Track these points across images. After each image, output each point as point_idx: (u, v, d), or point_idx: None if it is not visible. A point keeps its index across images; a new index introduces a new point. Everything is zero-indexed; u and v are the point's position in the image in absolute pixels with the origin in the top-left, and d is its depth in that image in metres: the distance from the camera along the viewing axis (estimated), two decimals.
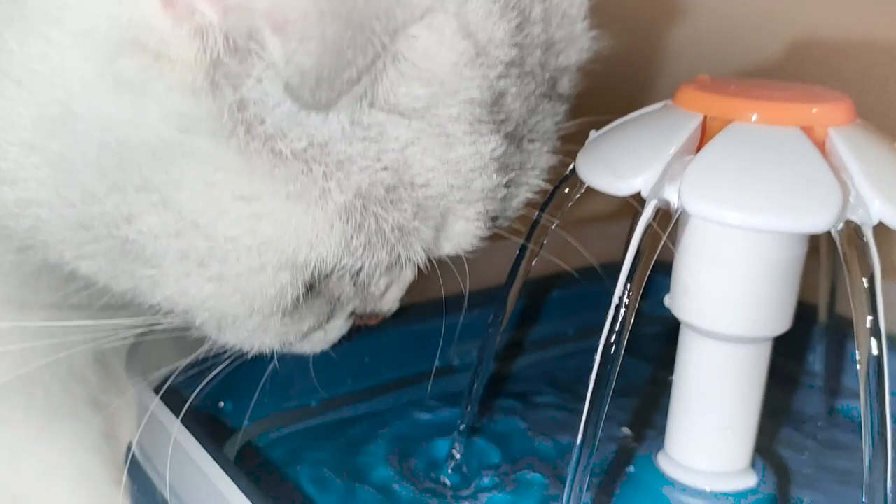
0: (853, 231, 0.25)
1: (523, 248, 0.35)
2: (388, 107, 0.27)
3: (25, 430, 0.43)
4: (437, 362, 0.45)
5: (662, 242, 0.27)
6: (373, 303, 0.35)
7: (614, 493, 0.34)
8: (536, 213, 0.34)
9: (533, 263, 0.35)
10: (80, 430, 0.44)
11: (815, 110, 0.28)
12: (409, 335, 0.44)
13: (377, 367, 0.43)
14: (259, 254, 0.28)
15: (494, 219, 0.32)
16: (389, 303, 0.36)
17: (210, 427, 0.37)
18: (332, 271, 0.29)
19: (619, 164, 0.28)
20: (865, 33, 0.47)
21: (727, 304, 0.29)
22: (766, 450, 0.38)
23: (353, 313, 0.36)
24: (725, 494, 0.31)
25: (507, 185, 0.31)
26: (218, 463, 0.28)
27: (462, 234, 0.31)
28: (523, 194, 0.33)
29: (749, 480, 0.32)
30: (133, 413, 0.36)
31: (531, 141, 0.33)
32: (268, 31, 0.24)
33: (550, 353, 0.48)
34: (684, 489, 0.31)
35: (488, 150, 0.29)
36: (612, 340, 0.27)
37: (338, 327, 0.35)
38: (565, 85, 0.34)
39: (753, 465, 0.32)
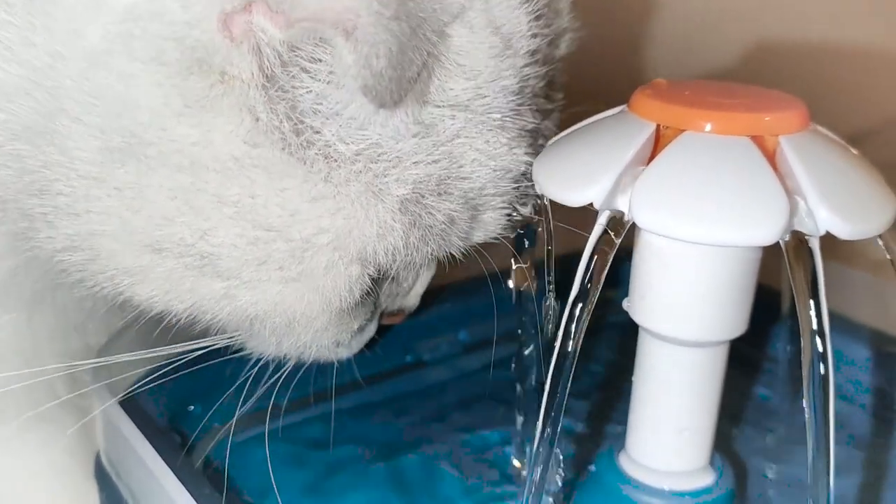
0: (799, 242, 0.26)
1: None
2: (438, 102, 0.29)
3: (3, 432, 0.43)
4: (407, 358, 0.46)
5: (617, 247, 0.28)
6: (401, 299, 0.37)
7: (575, 492, 0.34)
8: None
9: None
10: (53, 431, 0.44)
11: (767, 118, 0.28)
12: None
13: (348, 364, 0.44)
14: (333, 249, 0.29)
15: (516, 208, 0.34)
16: (413, 298, 0.38)
17: (176, 432, 0.37)
18: (391, 265, 0.31)
19: (573, 175, 0.28)
20: (823, 36, 0.47)
21: (682, 310, 0.29)
22: (726, 442, 0.39)
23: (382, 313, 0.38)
24: (683, 493, 0.32)
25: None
26: (177, 474, 0.28)
27: (493, 222, 0.33)
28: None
29: (707, 479, 0.32)
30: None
31: (544, 137, 0.34)
32: (340, 38, 0.26)
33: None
34: (644, 488, 0.32)
35: (521, 142, 0.31)
36: (568, 343, 0.27)
37: (371, 329, 0.37)
38: (560, 76, 0.36)
39: (712, 462, 0.33)
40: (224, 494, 0.30)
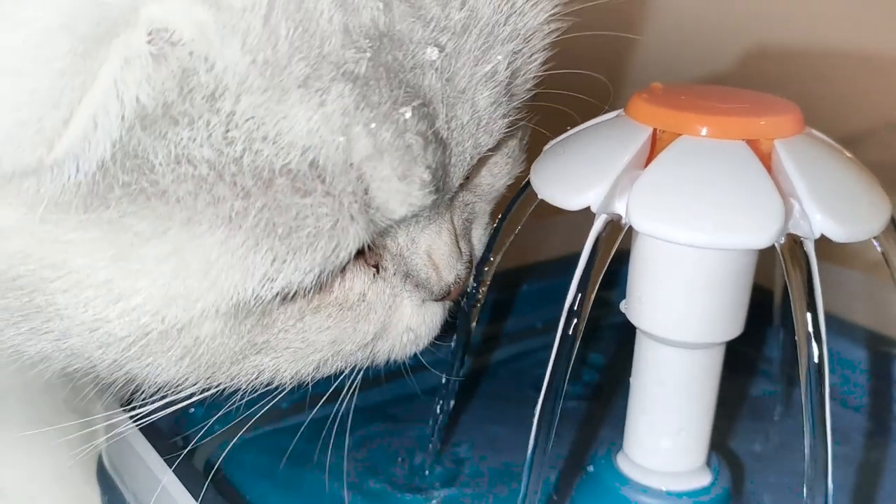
0: (794, 244, 0.26)
1: (490, 245, 0.35)
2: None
3: (3, 435, 0.43)
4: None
5: (614, 250, 0.28)
6: (434, 284, 0.32)
7: (573, 492, 0.34)
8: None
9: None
10: (55, 435, 0.45)
11: (762, 122, 0.28)
12: None
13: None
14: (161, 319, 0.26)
15: (439, 179, 0.28)
16: (447, 272, 0.32)
17: (178, 435, 0.37)
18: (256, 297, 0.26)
19: (570, 178, 0.28)
20: (817, 40, 0.48)
21: (678, 313, 0.30)
22: (722, 442, 0.39)
23: (427, 301, 0.33)
24: (681, 493, 0.32)
25: (435, 141, 0.27)
26: (180, 477, 0.29)
27: (396, 193, 0.26)
28: (467, 155, 0.29)
29: (704, 479, 0.33)
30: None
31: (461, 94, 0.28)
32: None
33: (519, 348, 0.48)
34: (641, 488, 0.32)
35: (346, 95, 0.24)
36: (564, 346, 0.28)
37: (421, 321, 0.33)
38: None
39: (709, 462, 0.33)
40: (226, 497, 0.31)
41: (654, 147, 0.28)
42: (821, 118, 0.30)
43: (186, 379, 0.29)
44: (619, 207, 0.27)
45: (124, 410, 0.32)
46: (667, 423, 0.32)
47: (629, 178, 0.27)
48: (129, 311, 0.25)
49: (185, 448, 0.37)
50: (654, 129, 0.28)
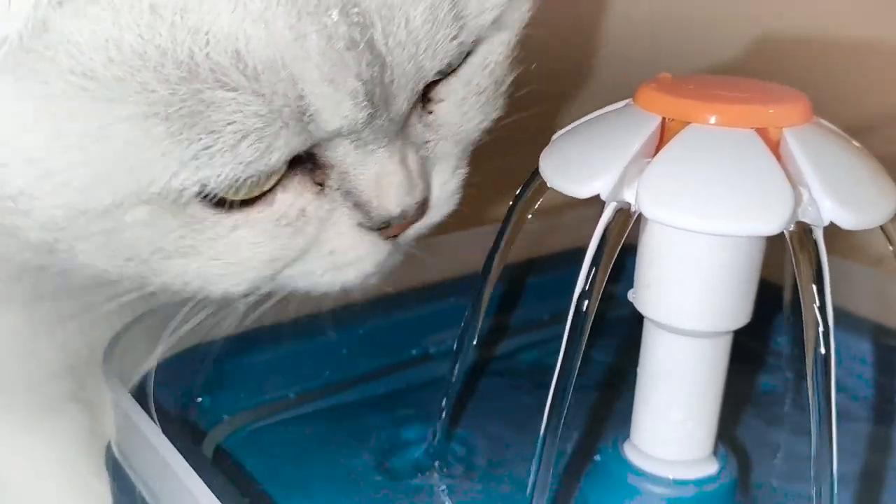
0: (803, 232, 0.26)
1: (499, 236, 0.35)
2: None
3: (8, 426, 0.44)
4: (413, 351, 0.46)
5: (623, 238, 0.28)
6: (375, 209, 0.31)
7: (581, 481, 0.35)
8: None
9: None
10: (62, 423, 0.45)
11: (771, 111, 0.28)
12: (385, 325, 0.45)
13: (354, 357, 0.44)
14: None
15: (374, 95, 0.27)
16: (393, 201, 0.31)
17: (186, 424, 0.38)
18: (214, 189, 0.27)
19: (579, 167, 0.29)
20: (826, 31, 0.48)
21: (686, 301, 0.30)
22: (729, 434, 0.39)
23: (363, 227, 0.32)
24: (688, 482, 0.32)
25: (370, 53, 0.27)
26: (191, 463, 0.29)
27: (328, 99, 0.26)
28: (410, 78, 0.29)
29: (710, 468, 0.33)
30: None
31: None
32: None
33: (526, 340, 0.49)
34: (648, 477, 0.32)
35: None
36: (574, 335, 0.28)
37: (349, 245, 0.32)
38: None
39: (716, 452, 0.33)
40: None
41: (663, 136, 0.28)
42: (829, 108, 0.30)
43: (114, 269, 0.29)
44: (629, 195, 0.27)
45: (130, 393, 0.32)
46: (673, 412, 0.32)
47: (638, 166, 0.28)
48: (59, 188, 0.26)
49: (194, 436, 0.38)
50: (663, 118, 0.28)
